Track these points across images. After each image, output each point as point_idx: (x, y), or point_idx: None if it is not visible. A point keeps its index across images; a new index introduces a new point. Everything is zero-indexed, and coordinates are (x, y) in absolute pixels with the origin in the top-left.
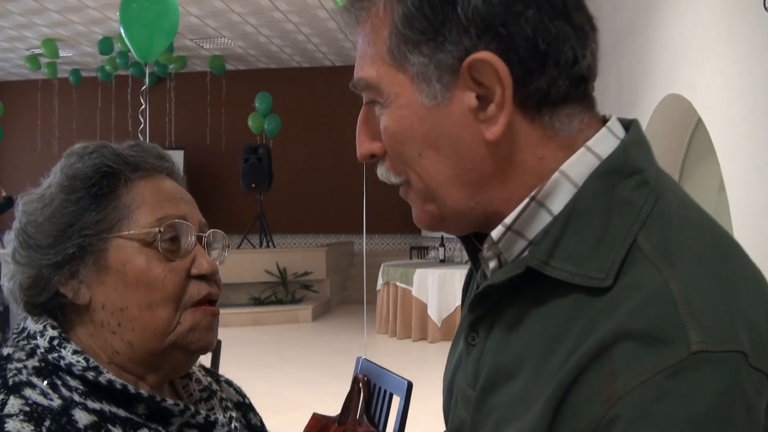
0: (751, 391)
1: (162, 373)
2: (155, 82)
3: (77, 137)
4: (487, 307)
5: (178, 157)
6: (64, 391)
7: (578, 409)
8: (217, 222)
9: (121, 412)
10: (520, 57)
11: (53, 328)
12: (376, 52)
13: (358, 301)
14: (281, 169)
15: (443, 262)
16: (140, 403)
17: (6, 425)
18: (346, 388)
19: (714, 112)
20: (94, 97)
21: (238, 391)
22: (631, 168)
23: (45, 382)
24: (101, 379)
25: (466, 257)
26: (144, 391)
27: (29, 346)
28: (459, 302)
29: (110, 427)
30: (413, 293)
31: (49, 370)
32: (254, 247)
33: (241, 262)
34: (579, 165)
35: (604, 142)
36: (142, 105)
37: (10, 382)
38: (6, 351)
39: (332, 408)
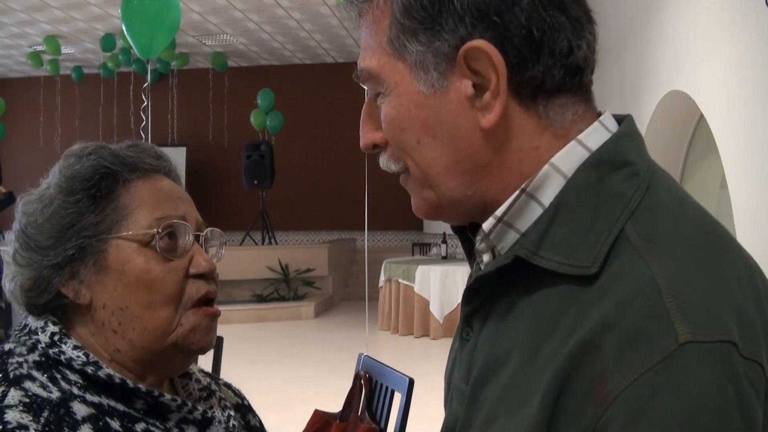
0: (744, 382)
1: (161, 372)
2: (157, 79)
3: (79, 134)
4: (480, 301)
5: (180, 154)
6: (63, 384)
7: (575, 411)
8: (219, 219)
9: (120, 406)
10: (515, 45)
11: (54, 324)
12: (377, 43)
13: (361, 297)
14: (283, 166)
15: (445, 258)
16: (138, 398)
17: (6, 416)
18: (348, 385)
19: (716, 109)
20: (96, 94)
21: (237, 393)
22: (620, 160)
23: (45, 376)
24: (100, 373)
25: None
26: (142, 387)
27: (30, 341)
28: (461, 299)
29: (108, 420)
30: (415, 290)
31: (50, 364)
32: (256, 243)
33: (244, 259)
34: (569, 157)
35: (595, 136)
36: (144, 102)
37: (11, 375)
38: (8, 346)
39: (334, 405)
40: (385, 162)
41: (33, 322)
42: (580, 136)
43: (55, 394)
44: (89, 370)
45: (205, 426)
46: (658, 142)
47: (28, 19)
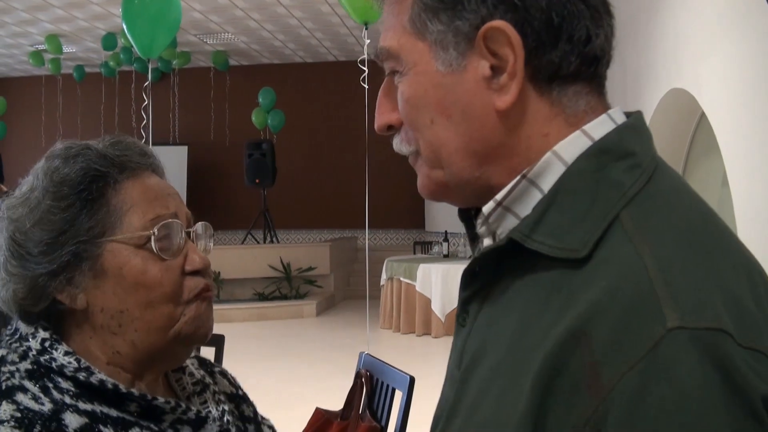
0: (737, 371)
1: (160, 367)
2: (159, 77)
3: (81, 133)
4: (477, 286)
5: (181, 152)
6: (55, 393)
7: (568, 401)
8: (221, 218)
9: (113, 412)
10: (534, 28)
11: (45, 329)
12: (398, 23)
13: (362, 296)
14: (285, 165)
15: (447, 257)
16: (132, 402)
17: None
18: (350, 383)
19: (717, 107)
20: (97, 93)
21: (232, 382)
22: (622, 150)
23: (37, 386)
24: (92, 379)
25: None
26: (135, 391)
27: (21, 348)
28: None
29: (101, 427)
30: (417, 288)
31: (41, 372)
32: (258, 242)
33: (245, 258)
34: (572, 146)
35: (601, 127)
36: (145, 101)
37: (3, 387)
38: (0, 353)
39: (336, 403)
40: (398, 144)
41: (23, 327)
42: (586, 127)
43: (47, 407)
44: (81, 376)
45: (200, 425)
46: (659, 140)
47: (29, 18)
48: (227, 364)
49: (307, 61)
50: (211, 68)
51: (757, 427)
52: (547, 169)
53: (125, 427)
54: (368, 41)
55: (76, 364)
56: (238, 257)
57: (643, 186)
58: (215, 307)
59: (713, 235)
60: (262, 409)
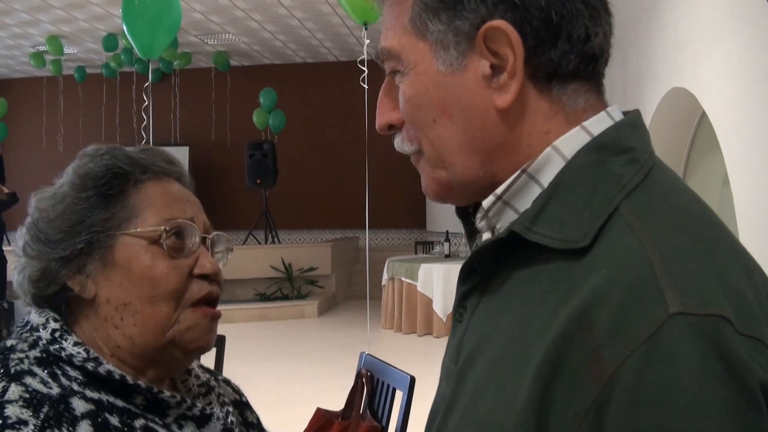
0: (737, 358)
1: (161, 369)
2: (160, 78)
3: (82, 134)
4: (476, 280)
5: (183, 153)
6: (63, 380)
7: (570, 388)
8: (222, 218)
9: (119, 402)
10: (534, 27)
11: (55, 321)
12: (399, 23)
13: (364, 296)
14: (286, 165)
15: (448, 257)
16: (138, 394)
17: (6, 410)
18: (351, 383)
19: (718, 106)
20: (98, 94)
21: (236, 390)
22: (621, 145)
23: (45, 372)
24: (100, 369)
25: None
26: (142, 383)
27: (32, 338)
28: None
29: (107, 415)
30: (418, 288)
31: (50, 360)
32: (259, 242)
33: (247, 258)
34: (571, 141)
35: (600, 123)
36: (146, 102)
37: (12, 371)
38: (9, 342)
39: (337, 403)
40: (399, 143)
41: (35, 319)
42: (585, 123)
43: (55, 390)
44: (89, 366)
45: (204, 422)
46: (660, 140)
47: (30, 19)
48: (228, 365)
49: (308, 62)
50: (212, 69)
51: (756, 413)
52: (547, 163)
53: (131, 417)
54: (368, 41)
55: (84, 354)
56: (240, 258)
57: (642, 180)
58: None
59: (712, 227)
60: (263, 410)
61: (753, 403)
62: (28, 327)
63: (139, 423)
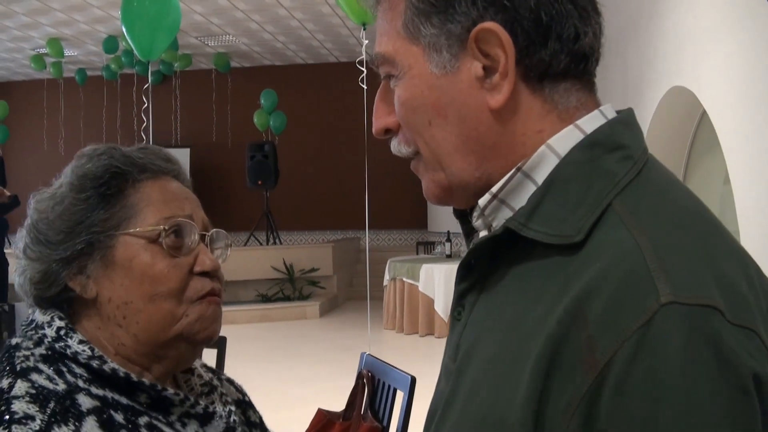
0: (728, 347)
1: (166, 364)
2: (161, 80)
3: (84, 136)
4: (473, 278)
5: (184, 155)
6: (69, 377)
7: (565, 380)
8: (223, 219)
9: (123, 400)
10: (524, 28)
11: (60, 319)
12: (392, 28)
13: (366, 296)
14: (287, 166)
15: (450, 257)
16: (142, 392)
17: (12, 406)
18: (352, 384)
19: (718, 105)
20: (99, 96)
21: (239, 389)
22: (614, 143)
23: (51, 369)
24: (105, 367)
25: None
26: (146, 381)
27: (37, 335)
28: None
29: (112, 412)
30: (420, 289)
31: (56, 357)
32: (261, 243)
33: (248, 259)
34: (565, 139)
35: (593, 122)
36: (146, 103)
37: (18, 368)
38: (15, 340)
39: (339, 403)
40: (396, 146)
41: (40, 317)
42: (579, 121)
43: (61, 386)
44: (94, 363)
45: (207, 420)
46: (660, 139)
47: (30, 22)
48: (230, 366)
49: (308, 63)
50: (213, 70)
51: (746, 404)
52: (541, 162)
53: (135, 414)
54: (366, 42)
55: (89, 352)
56: (241, 259)
57: (635, 176)
58: None
59: (705, 221)
60: (265, 410)
61: (743, 394)
62: (33, 325)
63: (143, 420)
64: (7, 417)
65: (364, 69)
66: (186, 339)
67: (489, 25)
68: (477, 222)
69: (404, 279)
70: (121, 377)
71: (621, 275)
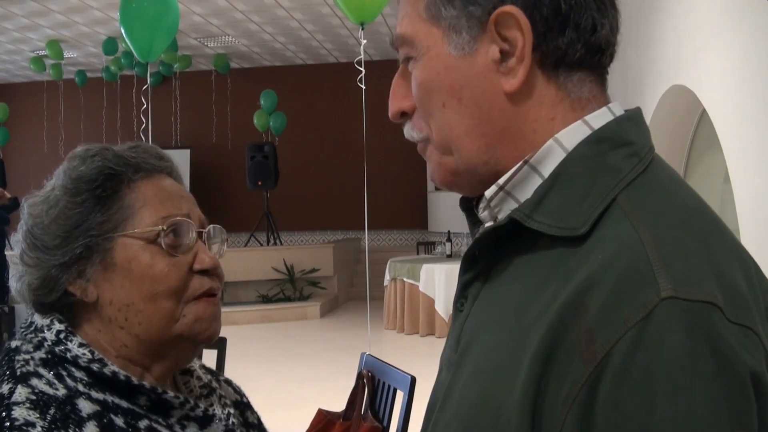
0: (726, 344)
1: (168, 363)
2: (160, 81)
3: (84, 138)
4: (477, 269)
5: (184, 156)
6: (69, 381)
7: (563, 370)
8: (223, 220)
9: (124, 403)
10: (543, 15)
11: (60, 321)
12: (413, 10)
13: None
14: (287, 167)
15: (450, 257)
16: (142, 395)
17: (13, 412)
18: (353, 384)
19: (718, 104)
20: (99, 98)
21: (237, 391)
22: (621, 139)
23: (51, 373)
24: (105, 370)
25: None
26: (147, 383)
27: (36, 339)
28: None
29: (112, 416)
30: (420, 289)
31: (55, 361)
32: (261, 244)
33: (249, 260)
34: (573, 134)
35: (601, 118)
36: (144, 105)
37: (18, 373)
38: (14, 344)
39: (339, 403)
40: (408, 130)
41: (39, 320)
42: (587, 117)
43: (61, 392)
44: (94, 367)
45: (206, 423)
46: (660, 137)
47: (30, 24)
48: (230, 366)
49: (308, 63)
50: (213, 71)
51: (743, 401)
52: (548, 155)
53: (135, 418)
54: (365, 42)
55: (89, 356)
56: (242, 260)
57: (641, 173)
58: None
59: (707, 220)
60: (265, 411)
61: (740, 391)
62: (32, 328)
63: (143, 424)
64: (8, 424)
65: (362, 69)
66: (187, 339)
67: (509, 8)
68: (483, 213)
69: (405, 279)
70: (122, 380)
71: (622, 268)
